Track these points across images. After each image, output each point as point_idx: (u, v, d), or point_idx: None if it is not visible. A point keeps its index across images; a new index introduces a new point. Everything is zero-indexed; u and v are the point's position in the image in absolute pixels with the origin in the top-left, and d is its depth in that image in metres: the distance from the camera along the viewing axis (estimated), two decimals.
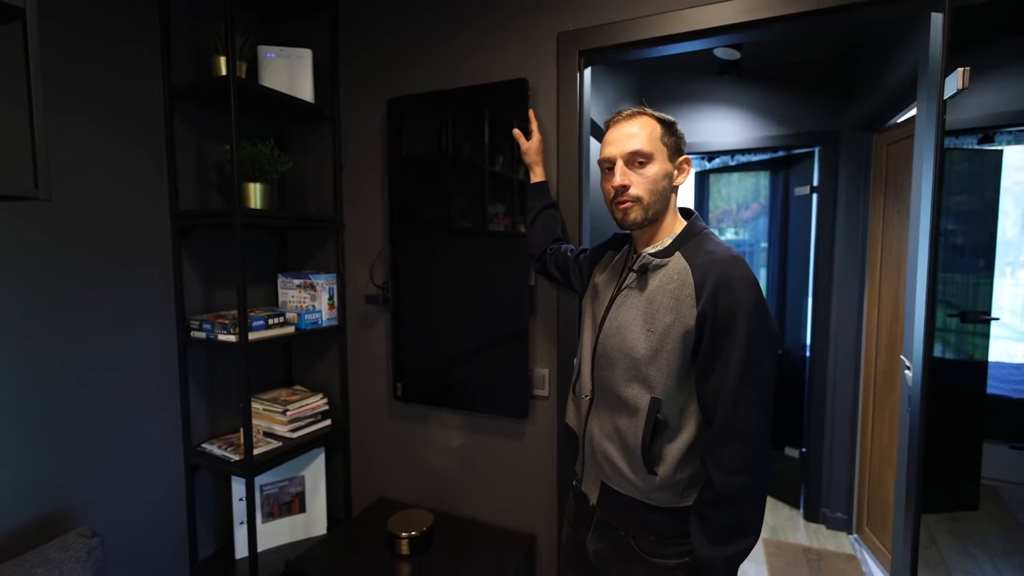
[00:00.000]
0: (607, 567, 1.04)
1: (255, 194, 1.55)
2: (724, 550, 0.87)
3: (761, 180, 3.17)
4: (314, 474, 1.80)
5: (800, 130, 2.65)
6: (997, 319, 2.74)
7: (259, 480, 1.67)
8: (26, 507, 1.24)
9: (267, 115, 1.79)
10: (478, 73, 1.59)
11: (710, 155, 3.31)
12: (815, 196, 2.67)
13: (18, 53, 0.94)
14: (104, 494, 1.40)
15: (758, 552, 2.45)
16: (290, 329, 1.66)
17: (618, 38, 1.40)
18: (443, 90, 1.62)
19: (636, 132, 0.98)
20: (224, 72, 1.46)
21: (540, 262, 1.40)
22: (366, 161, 1.79)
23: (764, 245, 3.18)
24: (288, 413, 1.66)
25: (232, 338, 1.48)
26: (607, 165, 1.02)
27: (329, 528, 1.82)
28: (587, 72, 1.51)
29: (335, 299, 1.81)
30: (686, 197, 3.61)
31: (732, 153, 3.07)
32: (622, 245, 1.14)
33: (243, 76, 1.53)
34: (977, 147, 3.11)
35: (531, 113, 1.47)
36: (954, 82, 1.09)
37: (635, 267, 1.01)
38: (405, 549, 1.50)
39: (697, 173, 3.51)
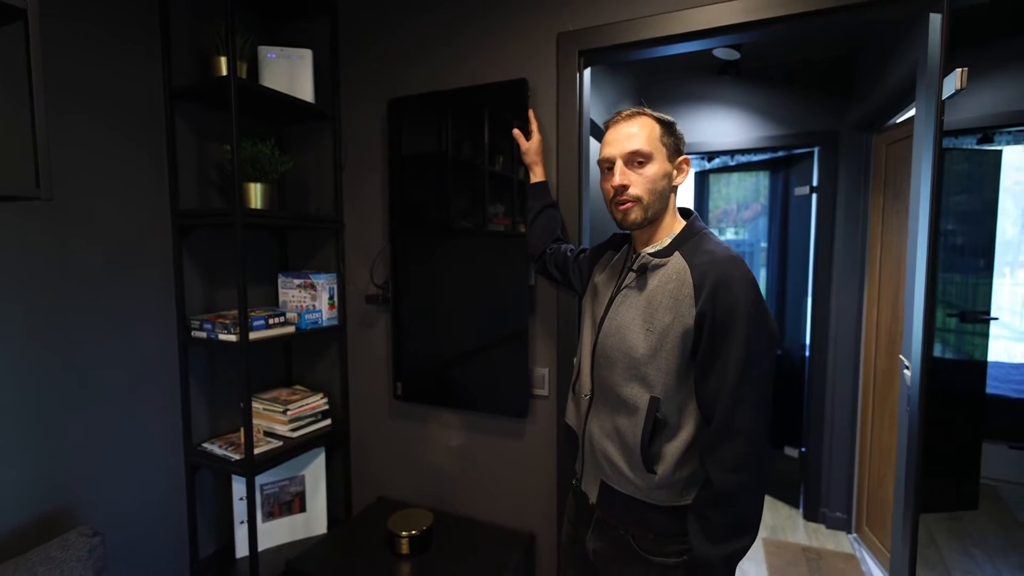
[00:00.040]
0: (606, 566, 1.05)
1: (255, 194, 1.56)
2: (722, 548, 0.88)
3: (761, 180, 3.17)
4: (314, 473, 1.80)
5: (800, 130, 2.66)
6: (996, 319, 2.74)
7: (259, 479, 1.67)
8: (27, 506, 1.24)
9: (267, 115, 1.79)
10: (478, 73, 1.59)
11: (710, 155, 3.32)
12: (814, 196, 2.67)
13: (20, 53, 0.95)
14: (105, 493, 1.40)
15: (758, 551, 2.46)
16: (290, 329, 1.66)
17: (618, 38, 1.40)
18: (443, 90, 1.62)
19: (635, 132, 0.99)
20: (225, 72, 1.47)
21: (540, 262, 1.41)
22: (366, 161, 1.80)
23: (764, 245, 3.18)
24: (288, 413, 1.67)
25: (233, 338, 1.48)
26: (607, 165, 1.03)
27: (329, 527, 1.82)
28: (587, 72, 1.51)
29: (335, 299, 1.81)
30: (686, 197, 3.61)
31: (732, 153, 3.07)
32: (621, 245, 1.15)
33: (243, 76, 1.53)
34: (976, 147, 3.11)
35: (531, 113, 1.47)
36: (952, 82, 1.09)
37: (634, 267, 1.02)
38: (405, 548, 1.50)
39: (697, 173, 3.51)
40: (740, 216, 3.34)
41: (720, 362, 0.88)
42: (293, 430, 1.67)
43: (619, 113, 1.03)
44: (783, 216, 2.99)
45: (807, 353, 2.73)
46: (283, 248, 1.94)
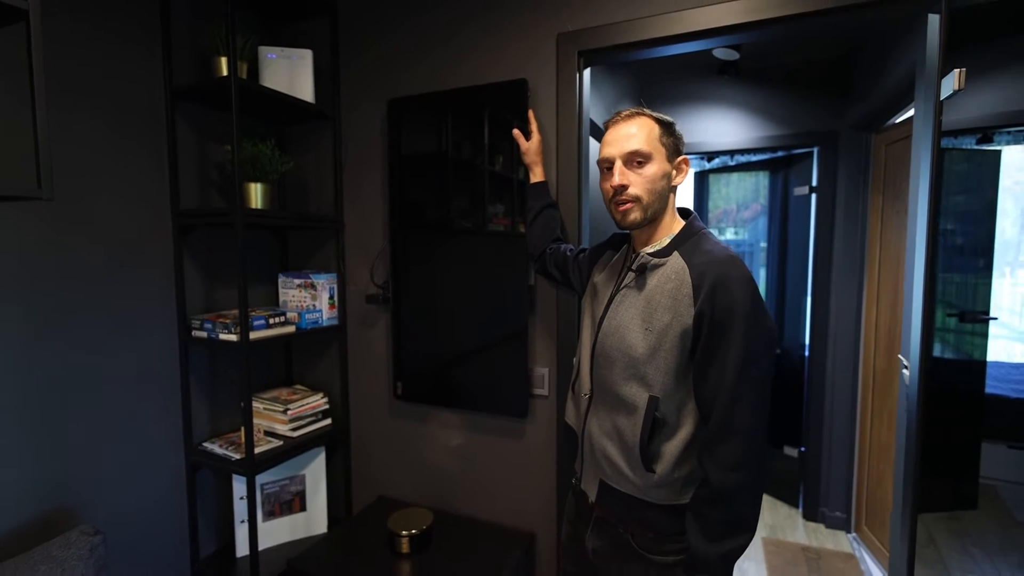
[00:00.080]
0: (606, 564, 1.05)
1: (256, 194, 1.56)
2: (720, 546, 0.88)
3: (761, 180, 3.18)
4: (315, 473, 1.81)
5: (799, 130, 2.66)
6: (995, 319, 2.74)
7: (260, 479, 1.68)
8: (29, 505, 1.25)
9: (268, 115, 1.79)
10: (478, 73, 1.59)
11: (709, 155, 3.32)
12: (814, 196, 2.68)
13: (21, 54, 0.95)
14: (106, 492, 1.40)
15: (757, 551, 2.46)
16: (291, 328, 1.66)
17: (617, 39, 1.40)
18: (443, 90, 1.63)
19: (635, 132, 0.99)
20: (225, 73, 1.47)
21: (540, 262, 1.41)
22: (366, 161, 1.80)
23: (764, 245, 3.18)
24: (289, 412, 1.67)
25: (233, 337, 1.48)
26: (606, 165, 1.03)
27: (330, 527, 1.82)
28: (586, 73, 1.51)
29: (335, 299, 1.82)
30: (685, 197, 3.62)
31: (731, 153, 3.08)
32: (621, 245, 1.15)
33: (244, 77, 1.54)
34: (976, 147, 3.11)
35: (531, 113, 1.48)
36: (950, 83, 1.09)
37: (633, 267, 1.02)
38: (405, 547, 1.51)
39: (697, 173, 3.52)
40: (740, 216, 3.34)
41: (718, 361, 0.89)
42: (293, 429, 1.68)
43: (618, 113, 1.04)
44: (783, 216, 3.00)
45: (806, 353, 2.73)
46: (283, 248, 1.94)
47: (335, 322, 1.82)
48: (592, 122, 1.89)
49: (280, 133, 1.90)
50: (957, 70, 1.08)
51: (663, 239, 1.03)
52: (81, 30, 1.33)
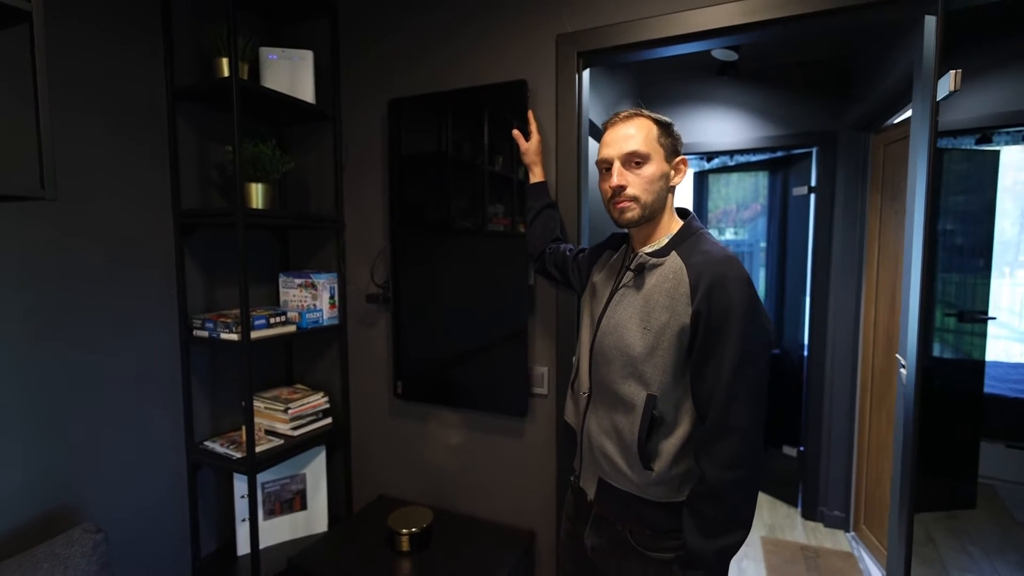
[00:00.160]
0: (605, 562, 1.06)
1: (257, 194, 1.57)
2: (716, 543, 0.89)
3: (760, 180, 3.19)
4: (315, 472, 1.82)
5: (798, 130, 2.67)
6: (994, 318, 2.75)
7: (261, 478, 1.68)
8: (32, 504, 1.25)
9: (269, 116, 1.80)
10: (478, 74, 1.60)
11: (709, 155, 3.33)
12: (812, 196, 2.68)
13: (24, 55, 0.96)
14: (107, 491, 1.41)
15: (756, 550, 2.47)
16: (291, 328, 1.67)
17: (616, 40, 1.41)
18: (443, 91, 1.63)
19: (633, 133, 1.00)
20: (226, 73, 1.48)
21: (539, 262, 1.42)
22: (367, 161, 1.81)
23: (763, 245, 3.19)
24: (289, 411, 1.68)
25: (234, 337, 1.49)
26: (605, 166, 1.04)
27: (330, 525, 1.83)
28: (586, 73, 1.52)
29: (336, 298, 1.83)
30: (685, 197, 3.62)
31: (731, 153, 3.09)
32: (620, 244, 1.16)
33: (245, 77, 1.54)
34: (975, 147, 3.12)
35: (530, 114, 1.49)
36: (946, 84, 1.10)
37: (632, 266, 1.03)
38: (406, 546, 1.51)
39: (696, 173, 3.52)
40: (740, 216, 3.35)
41: (715, 360, 0.90)
42: (294, 429, 1.69)
43: (617, 114, 1.04)
44: (782, 216, 3.01)
45: (805, 353, 2.74)
46: (284, 248, 1.95)
47: (335, 322, 1.83)
48: (591, 122, 1.90)
49: (281, 133, 1.91)
50: (953, 71, 1.09)
51: (661, 239, 1.04)
52: (83, 30, 1.34)
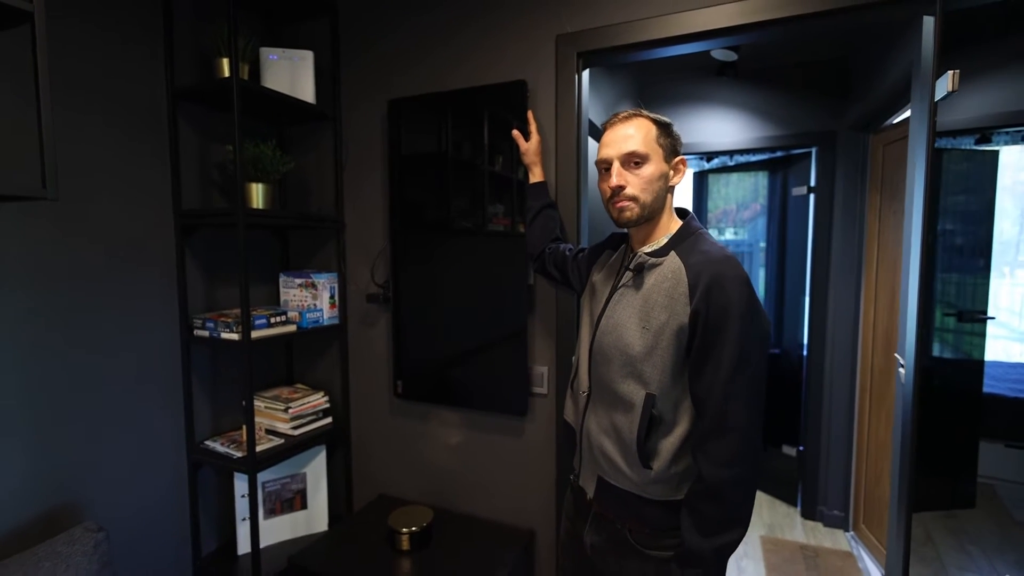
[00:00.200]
0: (604, 560, 1.06)
1: (257, 194, 1.57)
2: (713, 541, 0.90)
3: (760, 180, 3.19)
4: (315, 471, 1.82)
5: (797, 131, 2.67)
6: (993, 318, 2.76)
7: (261, 477, 1.69)
8: (33, 503, 1.26)
9: (269, 116, 1.81)
10: (477, 74, 1.61)
11: (709, 155, 3.33)
12: (812, 196, 2.69)
13: (25, 55, 0.96)
14: (109, 490, 1.42)
15: (755, 549, 2.47)
16: (292, 328, 1.68)
17: (616, 40, 1.42)
18: (443, 91, 1.64)
19: (632, 134, 1.00)
20: (227, 74, 1.48)
21: (539, 261, 1.42)
22: (367, 161, 1.81)
23: (763, 245, 3.19)
24: (290, 411, 1.68)
25: (235, 336, 1.50)
26: (604, 166, 1.04)
27: (330, 524, 1.84)
28: (585, 74, 1.53)
29: (336, 298, 1.83)
30: (685, 197, 3.63)
31: (730, 153, 3.09)
32: (619, 244, 1.16)
33: (246, 78, 1.55)
34: (974, 147, 3.12)
35: (530, 114, 1.49)
36: (944, 85, 1.11)
37: (631, 266, 1.03)
38: (406, 544, 1.52)
39: (696, 173, 3.53)
40: (740, 216, 3.35)
41: (713, 359, 0.90)
42: (294, 428, 1.69)
43: (616, 115, 1.05)
44: (782, 216, 3.01)
45: (805, 352, 2.75)
46: (284, 248, 1.96)
47: (336, 321, 1.83)
48: (591, 122, 1.90)
49: (281, 133, 1.91)
50: (951, 72, 1.09)
51: (660, 239, 1.04)
52: (84, 30, 1.34)
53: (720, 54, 2.52)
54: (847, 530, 2.61)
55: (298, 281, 1.80)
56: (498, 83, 1.56)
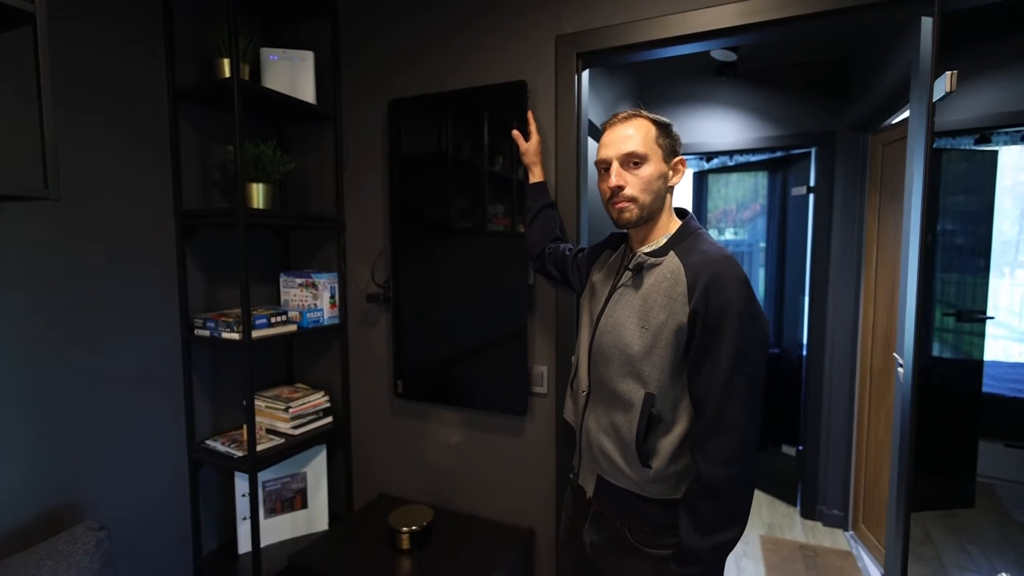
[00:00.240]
0: (603, 558, 1.07)
1: (258, 194, 1.58)
2: (710, 540, 0.90)
3: (760, 180, 3.19)
4: (316, 470, 1.82)
5: (797, 131, 2.68)
6: (992, 318, 2.76)
7: (262, 476, 1.69)
8: (34, 502, 1.26)
9: (270, 116, 1.81)
10: (477, 74, 1.61)
11: (708, 155, 3.34)
12: (811, 196, 2.69)
13: (27, 56, 0.96)
14: (110, 490, 1.42)
15: (755, 548, 2.48)
16: (292, 327, 1.68)
17: (616, 41, 1.42)
18: (443, 92, 1.64)
19: (631, 134, 1.01)
20: (228, 74, 1.49)
21: (539, 261, 1.43)
22: (367, 161, 1.82)
23: (763, 245, 3.20)
24: (290, 410, 1.69)
25: (235, 336, 1.50)
26: (603, 166, 1.05)
27: (331, 523, 1.84)
28: (585, 74, 1.53)
29: (336, 298, 1.84)
30: (685, 197, 3.63)
31: (730, 153, 3.10)
32: (619, 244, 1.17)
33: (246, 78, 1.55)
34: (974, 147, 3.13)
35: (530, 115, 1.49)
36: (942, 85, 1.11)
37: (630, 266, 1.04)
38: (406, 543, 1.52)
39: (696, 173, 3.53)
40: (739, 216, 3.35)
41: (712, 359, 0.90)
42: (295, 427, 1.70)
43: (616, 115, 1.05)
44: (781, 216, 3.01)
45: (804, 352, 2.75)
46: (285, 248, 1.96)
47: (336, 321, 1.83)
48: (591, 123, 1.90)
49: (281, 134, 1.92)
50: (949, 72, 1.09)
51: (660, 239, 1.04)
52: (85, 30, 1.34)
53: (720, 54, 2.52)
54: (846, 529, 2.61)
55: (298, 281, 1.80)
56: (498, 83, 1.56)
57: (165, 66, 1.52)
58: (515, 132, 1.47)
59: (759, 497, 2.96)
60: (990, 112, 2.27)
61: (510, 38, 1.56)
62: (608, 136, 1.04)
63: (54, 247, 1.29)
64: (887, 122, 2.31)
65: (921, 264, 1.24)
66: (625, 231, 1.12)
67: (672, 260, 0.99)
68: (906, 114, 2.13)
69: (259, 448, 1.56)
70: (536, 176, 1.47)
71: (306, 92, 1.69)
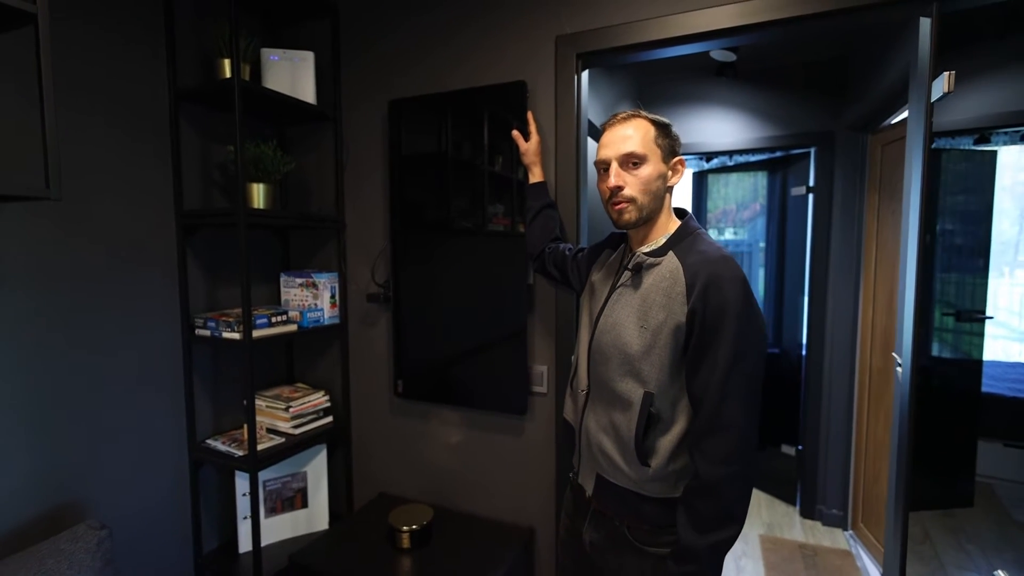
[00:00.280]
0: (603, 556, 1.07)
1: (258, 194, 1.58)
2: (708, 538, 0.90)
3: (759, 180, 3.20)
4: (316, 470, 1.83)
5: (796, 131, 2.68)
6: (991, 318, 2.76)
7: (262, 475, 1.69)
8: (36, 502, 1.27)
9: (270, 116, 1.82)
10: (477, 75, 1.61)
11: (708, 155, 3.34)
12: (811, 196, 2.69)
13: (28, 56, 0.97)
14: (111, 489, 1.42)
15: (755, 548, 2.48)
16: (292, 327, 1.69)
17: (615, 41, 1.42)
18: (443, 92, 1.65)
19: (630, 135, 1.01)
20: (228, 74, 1.49)
21: (539, 261, 1.43)
22: (367, 161, 1.82)
23: (763, 245, 3.20)
24: (291, 410, 1.69)
25: (236, 336, 1.50)
26: (603, 166, 1.05)
27: (331, 523, 1.85)
28: (585, 74, 1.53)
29: (337, 298, 1.84)
30: (684, 197, 3.63)
31: (730, 153, 3.10)
32: (618, 244, 1.17)
33: (247, 78, 1.55)
34: (973, 147, 3.13)
35: (530, 115, 1.50)
36: (940, 86, 1.11)
37: (630, 266, 1.04)
38: (406, 542, 1.53)
39: (695, 173, 3.53)
40: (739, 216, 3.36)
41: (709, 358, 0.91)
42: (295, 427, 1.70)
43: (615, 116, 1.06)
44: (781, 216, 3.02)
45: (804, 352, 2.75)
46: (285, 247, 1.96)
47: (336, 321, 1.84)
48: (590, 123, 1.91)
49: (282, 134, 1.92)
50: (946, 73, 1.10)
51: (659, 239, 1.05)
52: (87, 31, 1.35)
53: (719, 55, 2.53)
54: (846, 529, 2.62)
55: (299, 281, 1.81)
56: (498, 84, 1.56)
57: (166, 66, 1.53)
58: (515, 132, 1.47)
59: (759, 496, 2.97)
60: (989, 112, 2.27)
61: (510, 38, 1.57)
62: (607, 136, 1.05)
63: (55, 247, 1.30)
64: (886, 122, 2.31)
65: (919, 264, 1.24)
66: (624, 231, 1.12)
67: (671, 260, 0.99)
68: (905, 114, 2.13)
69: (260, 447, 1.56)
70: (536, 176, 1.47)
71: (306, 92, 1.70)
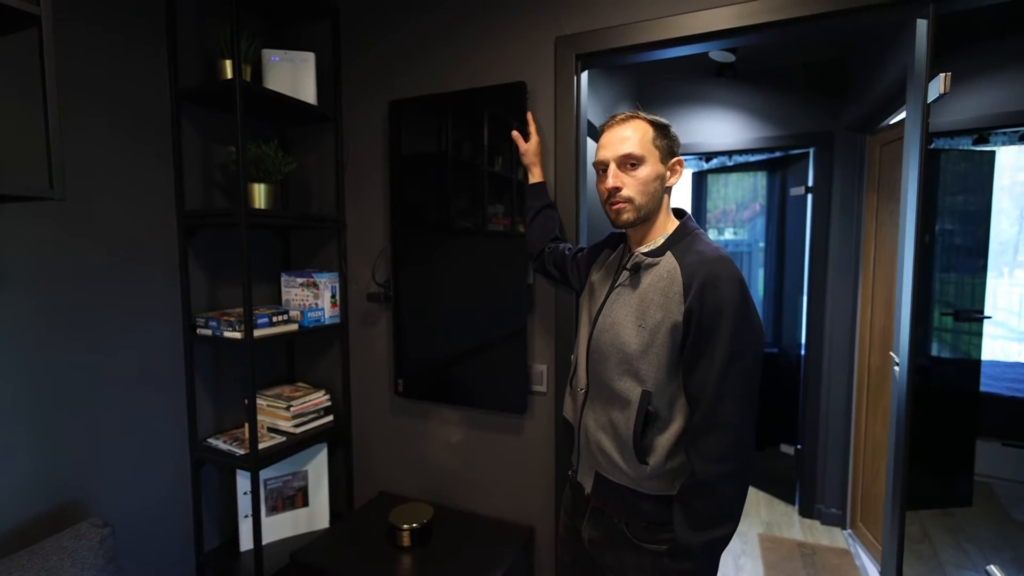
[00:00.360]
0: (601, 553, 1.08)
1: (259, 194, 1.59)
2: (703, 535, 0.91)
3: (759, 180, 3.20)
4: (317, 469, 1.84)
5: (795, 131, 2.69)
6: (989, 317, 2.77)
7: (263, 474, 1.70)
8: (38, 501, 1.27)
9: (271, 117, 1.82)
10: (477, 75, 1.62)
11: (707, 156, 3.35)
12: (810, 196, 2.70)
13: (32, 58, 0.98)
14: (112, 488, 1.43)
15: (753, 547, 2.49)
16: (293, 327, 1.69)
17: (615, 42, 1.43)
18: (443, 92, 1.65)
19: (629, 136, 1.02)
20: (230, 75, 1.50)
21: (539, 261, 1.44)
22: (367, 162, 1.83)
23: (762, 245, 3.21)
24: (292, 409, 1.70)
25: (237, 335, 1.51)
26: (601, 167, 1.06)
27: (332, 521, 1.85)
28: (584, 75, 1.54)
29: (337, 297, 1.85)
30: (684, 197, 3.64)
31: (729, 154, 3.11)
32: (617, 244, 1.18)
33: (248, 79, 1.56)
34: (972, 148, 3.14)
35: (529, 115, 1.50)
36: (937, 86, 1.12)
37: (628, 265, 1.05)
38: (406, 541, 1.53)
39: (695, 174, 3.54)
40: (739, 216, 3.36)
41: (706, 357, 0.92)
42: (296, 426, 1.71)
43: (614, 116, 1.06)
44: (780, 216, 3.02)
45: (803, 351, 2.76)
46: (286, 247, 1.97)
47: (337, 320, 1.85)
48: (590, 123, 1.92)
49: (283, 134, 1.93)
50: (943, 74, 1.11)
51: (657, 239, 1.06)
52: (90, 32, 1.36)
53: (718, 56, 2.53)
54: (844, 528, 2.63)
55: (300, 280, 1.81)
56: (498, 84, 1.57)
57: (168, 67, 1.54)
58: (515, 133, 1.48)
59: (758, 496, 2.98)
60: (988, 112, 2.28)
61: (510, 39, 1.58)
62: (606, 137, 1.05)
63: (57, 247, 1.31)
64: (884, 123, 2.32)
65: (917, 263, 1.25)
66: (623, 231, 1.13)
67: (669, 260, 1.00)
68: (903, 115, 2.14)
69: (261, 446, 1.57)
70: (536, 176, 1.48)
71: (307, 93, 1.70)
